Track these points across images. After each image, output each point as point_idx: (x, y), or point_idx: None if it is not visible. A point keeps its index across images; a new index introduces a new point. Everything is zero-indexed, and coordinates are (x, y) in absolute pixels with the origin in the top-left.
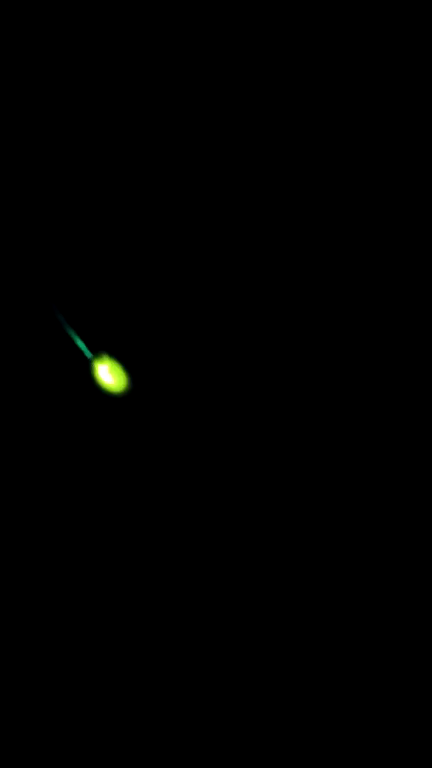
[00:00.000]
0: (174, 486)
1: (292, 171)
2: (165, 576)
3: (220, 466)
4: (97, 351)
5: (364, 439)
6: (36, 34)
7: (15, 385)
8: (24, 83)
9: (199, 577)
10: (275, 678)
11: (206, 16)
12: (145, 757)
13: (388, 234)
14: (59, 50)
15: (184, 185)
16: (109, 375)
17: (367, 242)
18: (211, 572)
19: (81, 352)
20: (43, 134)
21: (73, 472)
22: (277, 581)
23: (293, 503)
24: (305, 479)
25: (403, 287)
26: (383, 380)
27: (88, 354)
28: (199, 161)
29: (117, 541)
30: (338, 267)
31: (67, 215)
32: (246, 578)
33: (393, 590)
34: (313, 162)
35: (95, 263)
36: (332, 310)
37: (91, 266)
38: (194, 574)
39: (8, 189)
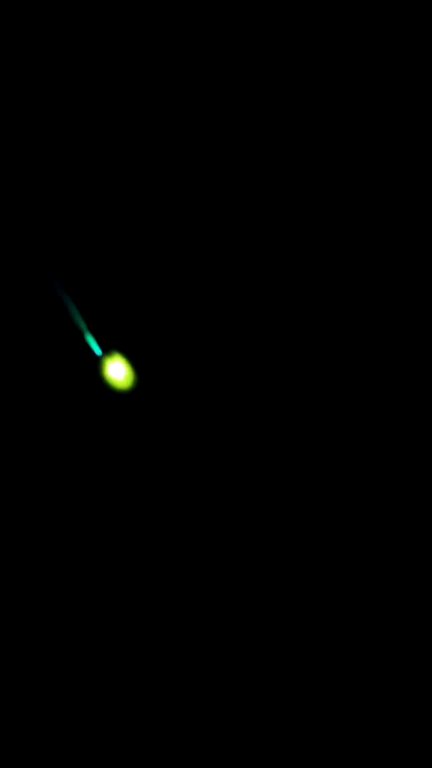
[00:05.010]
0: (178, 482)
1: (292, 170)
2: (168, 573)
3: (224, 463)
4: (107, 348)
5: (365, 435)
6: (36, 34)
7: (23, 381)
8: (24, 83)
9: (202, 575)
10: (275, 678)
11: (206, 17)
12: (145, 757)
13: (388, 234)
14: (59, 50)
15: (192, 188)
16: (117, 371)
17: (367, 242)
18: (214, 570)
19: (90, 349)
20: (49, 135)
21: (79, 468)
22: (279, 581)
23: (297, 502)
24: (310, 479)
25: (403, 287)
26: (383, 380)
27: (97, 351)
28: (207, 161)
29: (121, 537)
30: (341, 266)
31: (78, 214)
32: (248, 577)
33: (393, 590)
34: (312, 162)
35: (104, 261)
36: (336, 310)
37: (100, 263)
38: (197, 572)
39: (17, 189)
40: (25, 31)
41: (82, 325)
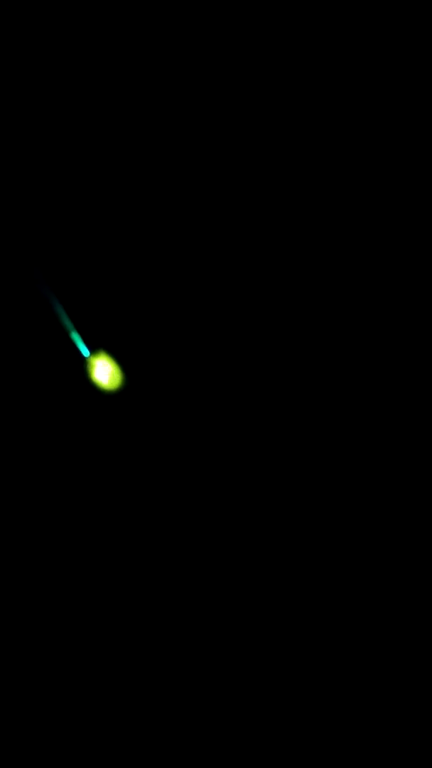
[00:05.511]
0: (170, 484)
1: (293, 170)
2: (162, 573)
3: (216, 464)
4: (94, 348)
5: (363, 440)
6: (36, 34)
7: (11, 382)
8: (24, 83)
9: (196, 574)
10: (275, 678)
11: (206, 17)
12: (145, 757)
13: (388, 234)
14: (59, 50)
15: (181, 182)
16: (105, 372)
17: (367, 242)
18: (208, 569)
19: (77, 350)
20: (42, 133)
21: (68, 469)
22: (275, 581)
23: (290, 498)
24: (303, 474)
25: (403, 288)
26: (383, 380)
27: (84, 351)
28: (196, 158)
29: (113, 539)
30: (338, 267)
31: (65, 213)
32: (242, 576)
33: (393, 590)
34: (313, 163)
35: (92, 261)
36: (332, 310)
37: (88, 263)
38: (191, 572)
39: (6, 187)
40: (25, 32)
41: (69, 324)
